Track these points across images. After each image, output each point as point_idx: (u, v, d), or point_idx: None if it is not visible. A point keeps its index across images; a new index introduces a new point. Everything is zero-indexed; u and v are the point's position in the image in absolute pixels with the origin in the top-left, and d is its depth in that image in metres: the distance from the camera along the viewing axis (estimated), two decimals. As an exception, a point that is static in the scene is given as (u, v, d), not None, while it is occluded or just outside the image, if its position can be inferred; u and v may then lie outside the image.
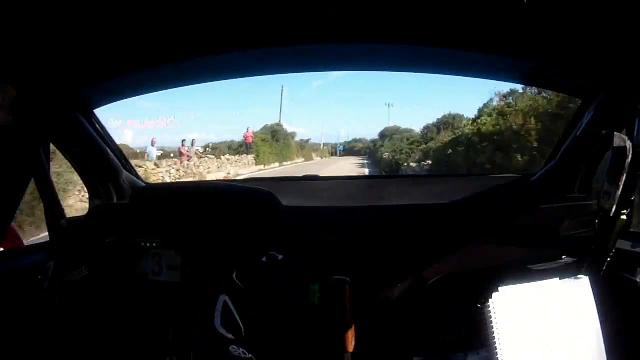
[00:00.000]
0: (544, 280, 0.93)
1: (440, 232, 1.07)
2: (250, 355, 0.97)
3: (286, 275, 0.99)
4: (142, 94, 1.23)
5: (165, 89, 1.21)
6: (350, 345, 0.96)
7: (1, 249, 1.19)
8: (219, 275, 1.03)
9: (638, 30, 0.70)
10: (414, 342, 1.16)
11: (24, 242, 1.60)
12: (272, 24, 0.79)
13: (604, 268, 1.02)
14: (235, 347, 0.98)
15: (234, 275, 1.01)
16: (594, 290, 0.99)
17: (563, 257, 1.12)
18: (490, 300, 0.89)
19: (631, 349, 0.95)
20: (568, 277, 0.95)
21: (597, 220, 1.08)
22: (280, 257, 0.98)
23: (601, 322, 0.92)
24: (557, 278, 0.95)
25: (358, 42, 0.87)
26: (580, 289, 0.94)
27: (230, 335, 0.98)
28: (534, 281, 0.93)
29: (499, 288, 0.91)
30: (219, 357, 0.99)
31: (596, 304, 0.92)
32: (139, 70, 0.95)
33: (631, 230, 1.11)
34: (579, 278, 0.95)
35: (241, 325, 0.99)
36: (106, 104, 1.20)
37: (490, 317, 0.88)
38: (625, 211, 0.97)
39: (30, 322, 0.98)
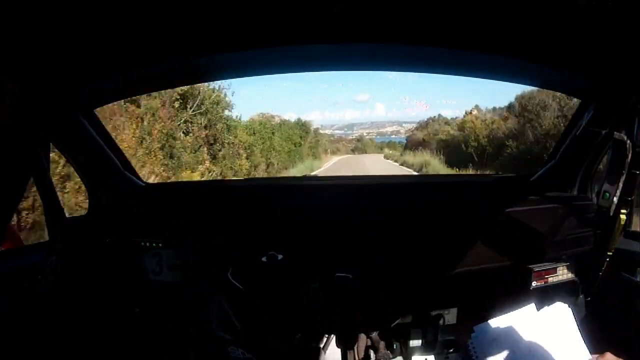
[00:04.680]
0: (520, 310, 0.91)
1: (440, 232, 1.07)
2: (249, 355, 0.97)
3: (286, 275, 0.99)
4: (141, 94, 1.23)
5: (165, 89, 1.22)
6: (356, 339, 0.97)
7: (1, 248, 1.19)
8: (214, 276, 1.02)
9: (637, 30, 0.70)
10: (413, 341, 1.16)
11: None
12: (272, 24, 0.78)
13: (603, 268, 1.02)
14: (234, 348, 0.98)
15: (229, 274, 1.01)
16: (594, 291, 0.99)
17: (563, 256, 1.13)
18: (469, 343, 0.88)
19: (632, 349, 0.95)
20: (546, 304, 0.94)
21: (597, 220, 1.08)
22: (280, 257, 0.98)
23: (602, 323, 0.92)
24: (533, 304, 0.94)
25: (358, 42, 0.87)
26: (560, 315, 0.92)
27: (228, 337, 0.99)
28: (510, 311, 0.91)
29: (474, 328, 0.90)
30: (218, 358, 1.00)
31: (594, 307, 0.91)
32: (138, 70, 0.95)
33: (631, 230, 1.11)
34: (558, 306, 0.93)
35: (238, 326, 0.99)
36: (106, 103, 1.20)
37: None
38: (625, 211, 0.97)
39: (31, 321, 0.98)
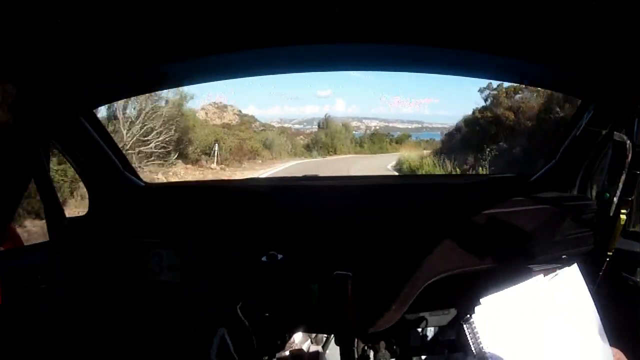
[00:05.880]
0: (528, 281, 0.90)
1: (440, 232, 1.07)
2: None
3: (286, 275, 0.99)
4: (141, 94, 1.24)
5: (165, 89, 1.22)
6: (354, 339, 0.97)
7: (1, 248, 1.19)
8: (221, 306, 1.03)
9: (637, 30, 0.70)
10: (413, 341, 1.16)
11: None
12: (272, 24, 0.78)
13: (603, 268, 1.02)
14: None
15: (238, 307, 1.02)
16: (594, 290, 0.98)
17: (563, 256, 1.13)
18: (473, 315, 0.87)
19: (632, 349, 0.95)
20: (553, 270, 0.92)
21: (597, 220, 1.08)
22: (280, 257, 0.98)
23: (601, 323, 0.92)
24: (542, 275, 0.91)
25: (358, 42, 0.87)
26: (569, 280, 0.91)
27: None
28: (519, 283, 0.90)
29: (481, 300, 0.88)
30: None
31: (595, 304, 0.91)
32: (138, 70, 0.95)
33: (631, 230, 1.11)
34: (565, 269, 0.91)
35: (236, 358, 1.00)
36: (106, 103, 1.20)
37: (476, 332, 0.86)
38: (625, 211, 0.97)
39: (30, 321, 0.98)
